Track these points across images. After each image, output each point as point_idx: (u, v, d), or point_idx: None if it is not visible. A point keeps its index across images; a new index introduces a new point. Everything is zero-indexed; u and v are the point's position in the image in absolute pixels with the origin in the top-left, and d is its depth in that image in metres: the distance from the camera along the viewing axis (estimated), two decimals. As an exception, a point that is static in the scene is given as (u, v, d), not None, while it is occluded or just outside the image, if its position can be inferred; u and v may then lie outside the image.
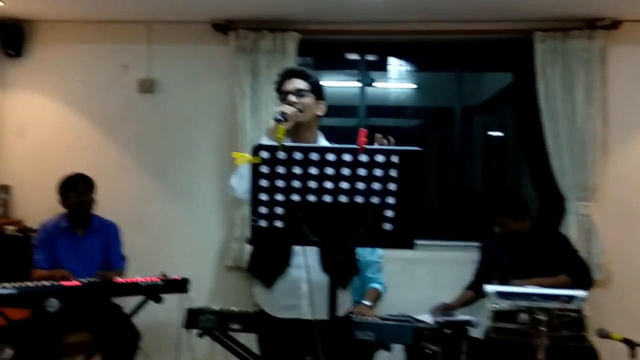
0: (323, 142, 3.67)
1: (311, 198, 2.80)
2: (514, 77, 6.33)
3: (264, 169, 2.79)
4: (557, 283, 4.77)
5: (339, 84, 7.00)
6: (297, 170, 2.78)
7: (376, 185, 2.79)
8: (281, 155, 2.78)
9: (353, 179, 2.78)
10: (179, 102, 6.44)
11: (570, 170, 5.85)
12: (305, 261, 3.32)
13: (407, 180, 2.79)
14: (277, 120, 3.29)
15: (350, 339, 3.84)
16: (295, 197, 2.81)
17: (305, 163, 2.77)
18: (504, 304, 4.20)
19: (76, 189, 5.35)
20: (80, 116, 6.50)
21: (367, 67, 6.66)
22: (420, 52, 6.72)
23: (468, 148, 6.79)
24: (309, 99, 3.59)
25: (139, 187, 6.45)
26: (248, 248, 5.92)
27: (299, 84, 3.62)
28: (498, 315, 4.29)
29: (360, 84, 6.58)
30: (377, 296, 5.30)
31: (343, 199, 2.80)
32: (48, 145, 6.52)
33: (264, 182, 2.80)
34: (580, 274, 5.10)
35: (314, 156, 2.77)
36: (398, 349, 4.96)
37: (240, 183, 3.39)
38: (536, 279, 4.80)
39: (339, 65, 6.92)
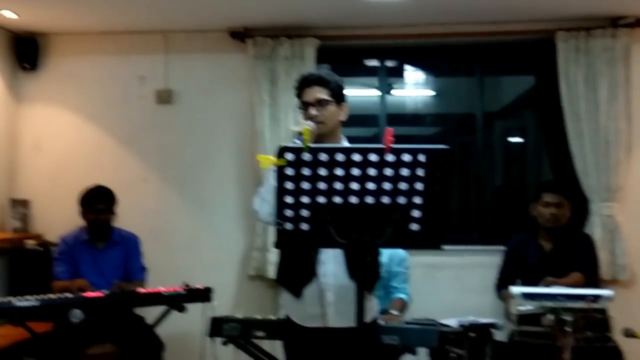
0: (346, 145, 3.58)
1: (337, 200, 2.75)
2: (536, 79, 6.28)
3: (289, 171, 2.74)
4: (571, 282, 4.78)
5: (357, 93, 6.95)
6: (322, 171, 2.73)
7: (403, 185, 2.74)
8: (306, 156, 2.73)
9: (379, 179, 2.73)
10: (198, 112, 6.41)
11: (594, 171, 5.78)
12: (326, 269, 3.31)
13: (434, 179, 2.74)
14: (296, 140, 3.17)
15: (377, 345, 3.79)
16: (321, 199, 2.76)
17: (331, 164, 2.72)
18: (530, 306, 4.17)
19: (95, 208, 5.33)
20: (98, 129, 6.49)
21: (386, 74, 6.62)
22: (439, 55, 6.64)
23: (489, 154, 6.74)
24: (331, 107, 3.50)
25: (160, 198, 6.42)
26: (271, 257, 5.91)
27: (319, 92, 3.49)
28: (522, 318, 4.25)
29: (379, 92, 6.54)
30: (403, 306, 5.27)
31: (369, 199, 2.75)
32: (66, 159, 6.50)
33: (289, 185, 2.75)
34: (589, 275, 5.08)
35: (340, 157, 2.71)
36: (423, 353, 4.92)
37: (263, 206, 3.34)
38: (550, 278, 4.78)
39: (357, 72, 6.88)
